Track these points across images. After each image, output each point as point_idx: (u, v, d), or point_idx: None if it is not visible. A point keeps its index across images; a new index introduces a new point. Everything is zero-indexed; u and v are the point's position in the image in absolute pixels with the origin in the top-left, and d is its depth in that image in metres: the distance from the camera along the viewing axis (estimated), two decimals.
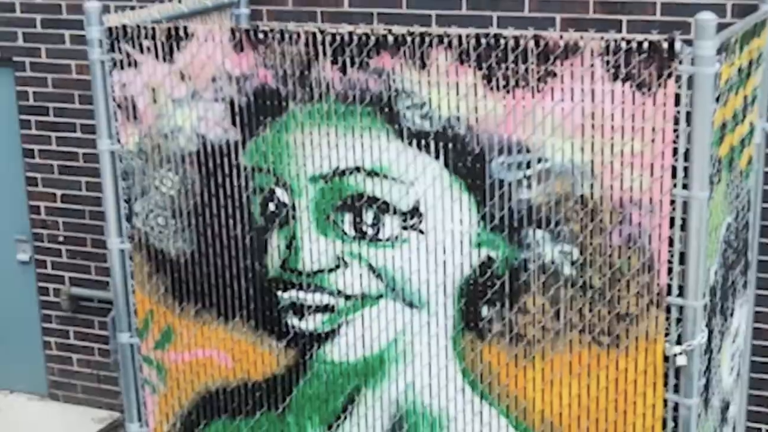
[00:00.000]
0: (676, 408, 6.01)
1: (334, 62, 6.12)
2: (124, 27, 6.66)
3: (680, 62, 5.61)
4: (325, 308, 6.60)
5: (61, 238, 9.41)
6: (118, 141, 6.73)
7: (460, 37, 5.91)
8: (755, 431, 8.02)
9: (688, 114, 5.69)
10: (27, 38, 9.06)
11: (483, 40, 5.82)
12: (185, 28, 6.56)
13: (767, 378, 7.98)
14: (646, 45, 5.56)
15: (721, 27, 6.72)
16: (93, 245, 9.36)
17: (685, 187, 5.71)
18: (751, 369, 7.76)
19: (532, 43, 5.74)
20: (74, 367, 9.68)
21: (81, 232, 9.38)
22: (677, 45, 5.50)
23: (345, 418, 6.72)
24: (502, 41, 5.81)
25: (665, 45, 5.52)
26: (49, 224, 9.42)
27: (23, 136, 9.29)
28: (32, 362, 9.90)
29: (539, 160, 5.87)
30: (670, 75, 5.55)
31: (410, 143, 6.12)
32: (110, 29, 6.64)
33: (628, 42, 5.67)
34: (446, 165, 6.09)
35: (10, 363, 10.07)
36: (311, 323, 6.61)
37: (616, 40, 5.68)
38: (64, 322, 9.60)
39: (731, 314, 6.91)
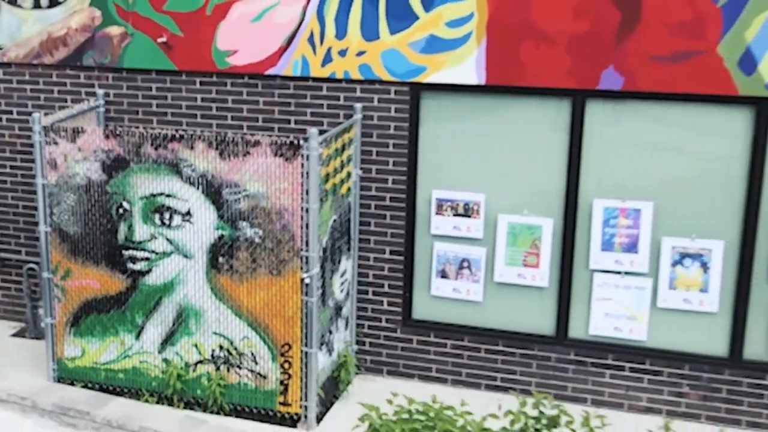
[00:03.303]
0: (307, 304, 7.68)
1: (151, 145, 7.86)
2: (51, 125, 8.12)
3: (302, 149, 7.43)
4: (146, 259, 8.08)
5: None
6: (47, 179, 8.21)
7: (208, 136, 7.69)
8: (361, 325, 8.92)
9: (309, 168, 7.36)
10: None
11: (219, 138, 7.70)
12: (82, 127, 8.00)
13: (366, 297, 8.84)
14: (288, 142, 7.50)
15: (335, 124, 8.39)
16: (13, 230, 9.85)
17: (307, 201, 7.52)
18: (358, 292, 8.88)
19: (240, 139, 7.64)
20: None
21: (7, 222, 9.84)
22: (302, 143, 7.45)
23: (155, 312, 8.21)
24: (227, 138, 7.67)
25: (296, 142, 7.46)
26: None
27: None
28: None
29: (244, 190, 7.66)
30: (299, 154, 7.48)
31: (186, 182, 7.80)
32: (44, 126, 8.15)
33: (282, 140, 7.47)
34: (203, 192, 7.77)
35: None
36: (139, 266, 8.13)
37: (276, 139, 7.48)
38: None
39: (339, 262, 8.29)
